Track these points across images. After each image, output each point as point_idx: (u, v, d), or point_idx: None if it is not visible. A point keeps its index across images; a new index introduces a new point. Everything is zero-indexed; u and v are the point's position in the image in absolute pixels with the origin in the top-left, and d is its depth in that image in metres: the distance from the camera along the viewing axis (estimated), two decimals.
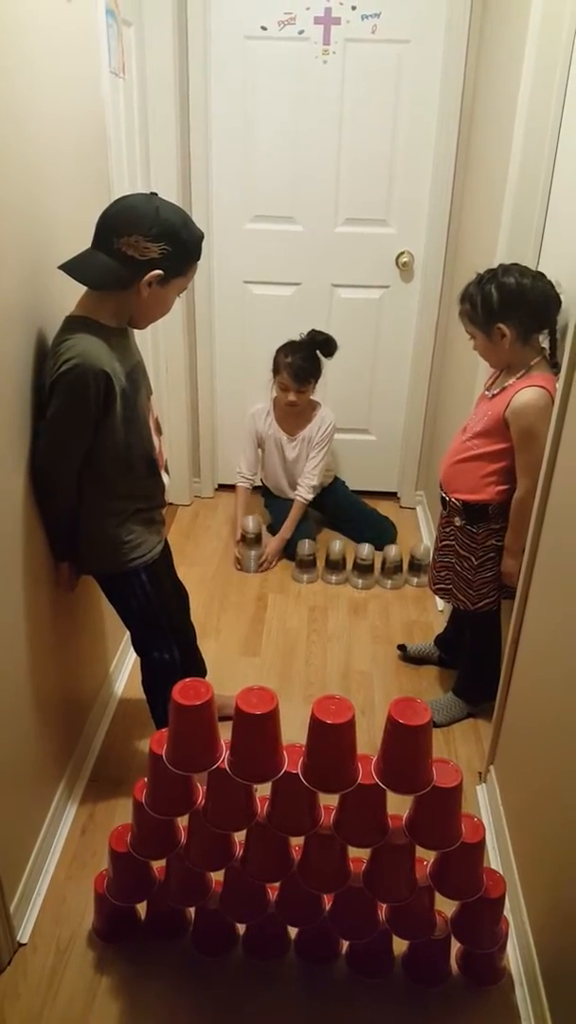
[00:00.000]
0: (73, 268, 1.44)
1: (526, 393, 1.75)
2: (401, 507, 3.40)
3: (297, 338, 2.86)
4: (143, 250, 1.42)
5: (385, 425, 3.31)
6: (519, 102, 1.98)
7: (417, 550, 2.83)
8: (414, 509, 3.39)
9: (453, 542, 1.98)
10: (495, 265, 1.82)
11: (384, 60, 2.75)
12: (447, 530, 2.00)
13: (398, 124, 2.83)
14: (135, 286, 1.46)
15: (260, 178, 2.94)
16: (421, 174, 2.88)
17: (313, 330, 2.85)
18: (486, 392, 1.91)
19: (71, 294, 1.51)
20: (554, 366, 1.77)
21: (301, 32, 2.73)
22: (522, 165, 2.00)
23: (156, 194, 1.48)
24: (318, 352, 2.83)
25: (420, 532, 3.19)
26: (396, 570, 2.81)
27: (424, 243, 2.97)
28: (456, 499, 1.93)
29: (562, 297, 1.74)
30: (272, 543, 2.93)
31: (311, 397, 2.94)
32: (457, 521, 1.95)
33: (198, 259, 1.54)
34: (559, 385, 1.50)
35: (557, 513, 1.51)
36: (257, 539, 2.92)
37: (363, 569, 2.82)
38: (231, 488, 3.45)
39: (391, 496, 3.43)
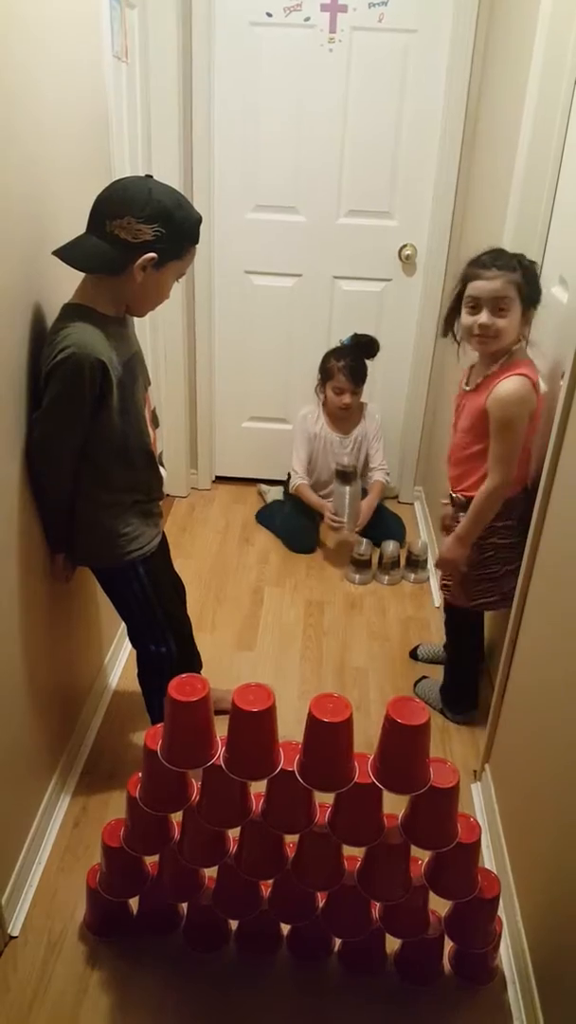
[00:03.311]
0: (65, 252, 1.42)
1: (510, 382, 1.71)
2: (400, 503, 3.39)
3: (338, 343, 2.90)
4: (136, 232, 1.39)
5: (384, 420, 3.27)
6: (527, 93, 1.96)
7: (415, 546, 2.82)
8: (412, 505, 3.37)
9: None
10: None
11: (390, 49, 2.72)
12: (455, 527, 1.97)
13: (403, 115, 2.80)
14: (129, 270, 1.43)
15: (262, 167, 2.91)
16: (425, 166, 2.85)
17: (356, 334, 2.86)
18: (465, 387, 1.88)
19: (70, 281, 1.48)
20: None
21: (307, 19, 2.70)
22: (529, 159, 1.98)
23: (151, 176, 1.46)
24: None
25: (418, 528, 3.18)
26: (393, 566, 2.80)
27: (427, 237, 2.95)
28: (463, 496, 1.91)
29: (565, 295, 1.73)
30: (364, 510, 2.89)
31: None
32: (461, 517, 1.93)
33: (195, 242, 1.50)
34: (563, 383, 1.48)
35: (559, 511, 1.49)
36: (355, 473, 2.86)
37: (360, 564, 2.80)
38: (228, 480, 3.45)
39: None
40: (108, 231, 1.40)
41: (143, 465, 1.63)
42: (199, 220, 1.49)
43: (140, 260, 1.42)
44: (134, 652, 1.83)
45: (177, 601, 1.93)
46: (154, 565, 1.70)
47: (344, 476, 2.85)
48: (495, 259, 1.72)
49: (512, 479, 1.77)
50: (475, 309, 1.73)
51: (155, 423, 1.72)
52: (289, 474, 3.07)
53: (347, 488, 2.84)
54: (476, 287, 1.72)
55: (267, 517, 3.15)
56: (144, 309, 1.57)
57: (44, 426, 1.47)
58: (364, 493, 2.95)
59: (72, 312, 1.46)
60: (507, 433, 1.73)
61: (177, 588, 1.96)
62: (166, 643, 1.76)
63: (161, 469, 1.72)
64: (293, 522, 3.02)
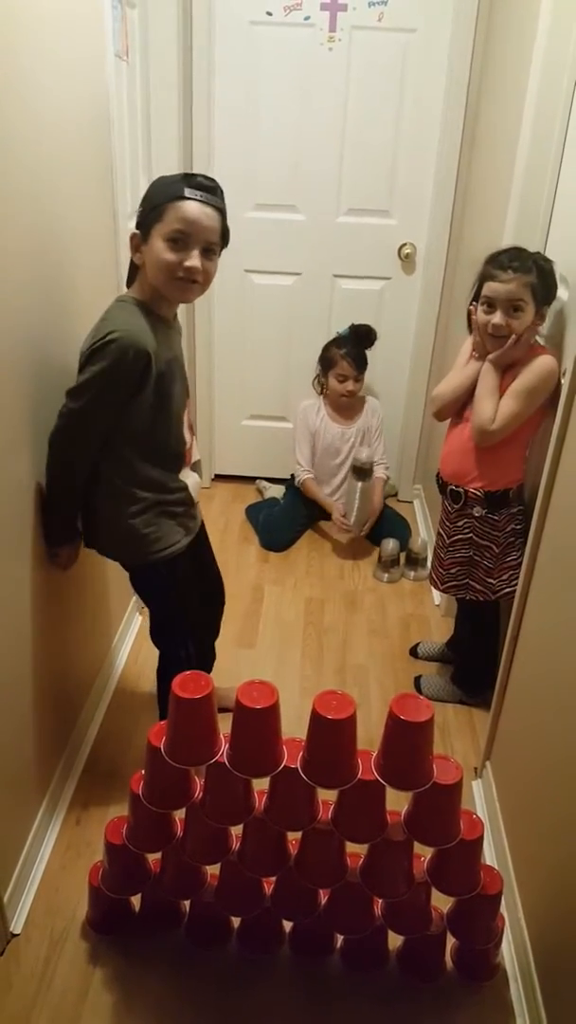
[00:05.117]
0: None
1: (543, 358, 1.75)
2: (399, 501, 3.39)
3: (335, 334, 2.94)
4: (135, 227, 1.48)
5: (383, 418, 3.29)
6: (528, 92, 1.96)
7: (415, 544, 2.82)
8: (411, 503, 3.38)
9: (469, 534, 1.95)
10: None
11: (390, 49, 2.72)
12: (460, 523, 1.96)
13: (403, 114, 2.81)
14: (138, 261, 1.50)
15: (262, 166, 2.91)
16: (425, 165, 2.85)
17: (353, 324, 2.90)
18: None
19: (80, 280, 1.50)
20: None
21: (307, 18, 2.70)
22: (529, 158, 1.98)
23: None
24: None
25: (418, 526, 3.18)
26: (393, 564, 2.81)
27: (427, 235, 2.95)
28: (476, 490, 1.91)
29: (566, 293, 1.74)
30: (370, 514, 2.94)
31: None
32: (476, 512, 1.91)
33: (172, 198, 1.43)
34: (564, 381, 1.49)
35: (561, 506, 1.50)
36: (371, 471, 2.88)
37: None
38: (228, 479, 3.45)
39: None
40: None
41: (169, 467, 1.61)
42: (177, 177, 1.46)
43: (131, 244, 1.48)
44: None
45: (205, 608, 1.90)
46: (179, 567, 1.67)
47: (359, 472, 2.85)
48: (512, 259, 1.74)
49: (498, 437, 1.80)
50: (491, 308, 1.77)
51: (191, 430, 1.71)
52: (293, 475, 3.08)
53: (359, 484, 2.85)
54: (491, 288, 1.75)
55: (254, 512, 3.15)
56: (168, 288, 1.50)
57: (77, 401, 1.46)
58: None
59: (122, 302, 1.51)
60: (524, 396, 1.75)
61: (212, 591, 1.95)
62: (185, 647, 1.75)
63: (195, 475, 1.71)
64: (274, 521, 3.03)
